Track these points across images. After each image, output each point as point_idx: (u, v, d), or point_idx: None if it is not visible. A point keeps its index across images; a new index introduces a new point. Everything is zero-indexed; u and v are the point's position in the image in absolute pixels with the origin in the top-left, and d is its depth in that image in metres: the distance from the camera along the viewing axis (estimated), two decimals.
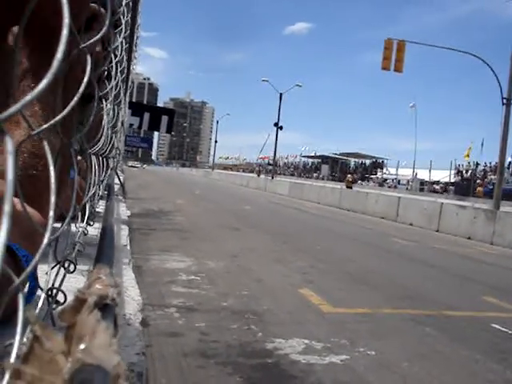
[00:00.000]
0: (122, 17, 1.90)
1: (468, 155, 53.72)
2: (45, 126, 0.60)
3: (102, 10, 1.12)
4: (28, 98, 0.40)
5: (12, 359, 0.37)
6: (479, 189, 45.45)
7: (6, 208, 0.32)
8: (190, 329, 3.97)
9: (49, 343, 0.37)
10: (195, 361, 3.34)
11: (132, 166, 69.36)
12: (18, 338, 0.39)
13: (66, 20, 0.48)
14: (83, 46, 0.79)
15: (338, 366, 3.52)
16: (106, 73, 1.63)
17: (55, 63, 0.43)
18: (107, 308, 0.48)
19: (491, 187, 44.09)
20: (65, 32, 0.46)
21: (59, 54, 0.44)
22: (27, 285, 0.78)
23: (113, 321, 0.50)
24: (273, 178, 42.83)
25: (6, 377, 0.33)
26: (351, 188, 31.27)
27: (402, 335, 4.43)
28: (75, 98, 0.66)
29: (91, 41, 0.83)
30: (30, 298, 0.80)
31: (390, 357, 3.82)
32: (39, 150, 1.04)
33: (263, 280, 6.02)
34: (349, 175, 38.38)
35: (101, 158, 2.01)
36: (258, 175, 51.52)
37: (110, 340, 0.38)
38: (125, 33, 2.04)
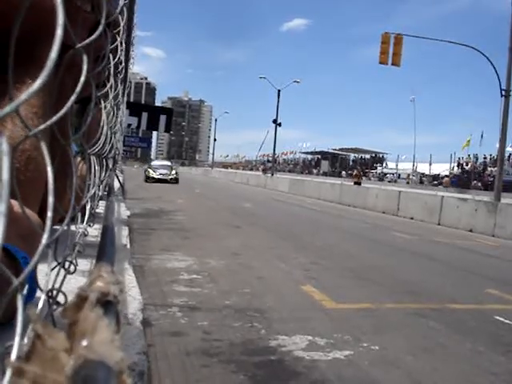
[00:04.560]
0: (120, 17, 1.90)
1: (465, 146, 53.72)
2: (42, 126, 0.59)
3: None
4: (23, 97, 0.40)
5: (12, 360, 0.37)
6: (446, 179, 47.56)
7: (2, 209, 0.32)
8: (193, 328, 3.97)
9: (51, 341, 0.37)
10: (199, 360, 3.35)
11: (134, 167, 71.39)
12: (17, 338, 0.39)
13: (60, 20, 0.47)
14: (79, 45, 0.78)
15: (341, 361, 3.52)
16: (106, 73, 1.63)
17: (49, 62, 0.42)
18: (109, 305, 0.48)
19: (456, 179, 46.45)
20: (59, 32, 0.46)
21: (53, 54, 0.44)
22: (26, 287, 0.78)
23: (115, 317, 0.50)
24: (272, 174, 42.75)
25: (8, 375, 0.33)
26: (360, 184, 29.01)
27: (405, 329, 4.43)
28: (72, 98, 0.66)
29: (87, 41, 0.83)
30: (29, 299, 0.80)
31: (393, 351, 3.82)
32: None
33: (265, 277, 6.02)
34: (355, 171, 36.51)
35: (100, 159, 2.01)
36: (264, 173, 48.39)
37: (112, 336, 0.38)
38: (123, 33, 2.03)
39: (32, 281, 0.80)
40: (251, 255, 7.49)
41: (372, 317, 4.71)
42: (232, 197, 22.55)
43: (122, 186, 10.30)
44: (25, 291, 0.78)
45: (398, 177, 56.32)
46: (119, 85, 2.43)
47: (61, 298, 0.78)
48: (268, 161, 71.89)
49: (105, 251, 1.08)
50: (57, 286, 0.81)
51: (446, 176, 49.13)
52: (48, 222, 0.53)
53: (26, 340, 0.38)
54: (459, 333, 4.42)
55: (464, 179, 47.07)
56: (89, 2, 1.28)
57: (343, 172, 62.66)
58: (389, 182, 52.06)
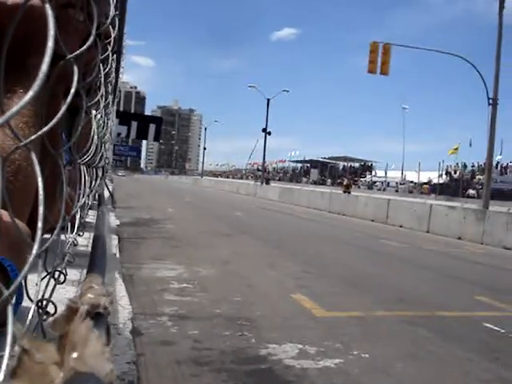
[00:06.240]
0: (110, 27, 1.90)
1: (453, 152, 54.21)
2: (33, 136, 0.60)
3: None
4: (15, 109, 0.40)
5: (2, 372, 0.37)
6: (425, 186, 49.21)
7: None
8: (183, 337, 3.95)
9: (40, 355, 0.37)
10: (189, 369, 3.33)
11: (122, 175, 71.56)
12: (7, 349, 0.39)
13: (52, 31, 0.48)
14: (70, 56, 0.79)
15: (332, 369, 3.52)
16: (97, 83, 1.63)
17: (40, 74, 0.43)
18: (99, 317, 0.48)
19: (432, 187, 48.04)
20: (50, 44, 0.46)
21: (44, 66, 0.44)
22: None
23: (105, 329, 0.50)
24: (262, 183, 42.66)
25: None
26: (349, 193, 30.05)
27: (395, 337, 4.44)
28: (63, 108, 0.66)
29: (78, 51, 0.83)
30: (16, 308, 0.80)
31: (383, 359, 3.82)
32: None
33: (255, 286, 6.01)
34: (345, 179, 37.32)
35: (90, 168, 2.01)
36: (267, 183, 44.92)
37: (102, 348, 0.38)
38: (114, 43, 2.03)
39: (18, 289, 0.80)
40: (242, 264, 7.48)
41: (362, 325, 4.72)
42: (222, 205, 22.53)
43: (111, 195, 10.26)
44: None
45: (387, 185, 56.68)
46: (109, 94, 2.43)
47: (51, 308, 0.78)
48: (258, 169, 71.83)
49: (96, 262, 1.08)
50: (47, 296, 0.81)
51: (425, 183, 50.73)
52: (39, 232, 0.53)
53: (13, 355, 0.38)
54: (449, 340, 4.43)
55: (452, 187, 47.53)
56: (82, 12, 1.29)
57: (328, 180, 63.02)
58: (378, 190, 52.38)
